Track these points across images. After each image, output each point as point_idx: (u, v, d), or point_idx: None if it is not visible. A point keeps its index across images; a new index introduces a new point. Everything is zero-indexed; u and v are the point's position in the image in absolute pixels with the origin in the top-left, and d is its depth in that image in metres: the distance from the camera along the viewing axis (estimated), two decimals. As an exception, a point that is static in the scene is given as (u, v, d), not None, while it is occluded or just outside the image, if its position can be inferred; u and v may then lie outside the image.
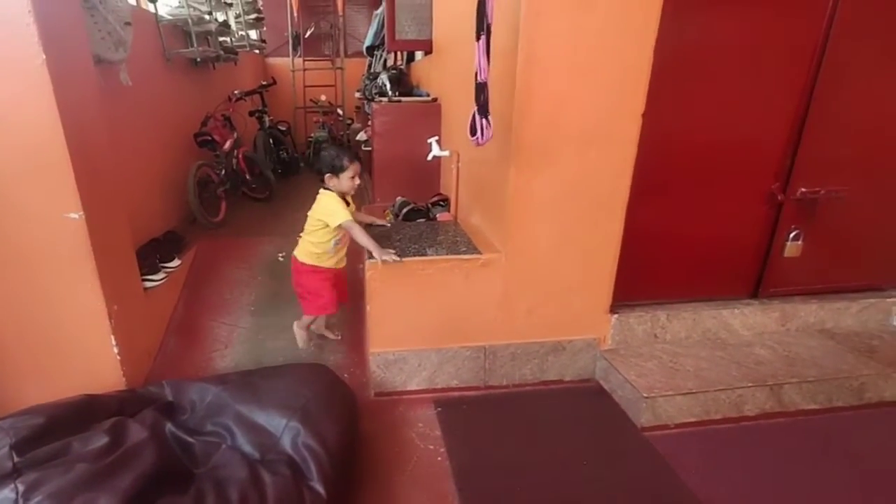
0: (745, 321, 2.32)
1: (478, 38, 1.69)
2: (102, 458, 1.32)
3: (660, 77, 1.86)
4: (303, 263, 2.20)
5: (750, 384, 2.01)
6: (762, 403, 2.04)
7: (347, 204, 2.13)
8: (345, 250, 2.26)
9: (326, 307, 2.24)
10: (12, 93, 1.56)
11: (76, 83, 1.76)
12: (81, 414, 1.51)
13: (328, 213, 2.08)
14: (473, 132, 1.82)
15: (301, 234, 2.22)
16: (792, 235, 2.24)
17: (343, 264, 2.29)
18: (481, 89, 1.74)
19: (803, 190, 2.18)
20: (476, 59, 1.71)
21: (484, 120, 1.77)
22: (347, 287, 2.38)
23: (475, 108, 1.78)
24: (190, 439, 1.55)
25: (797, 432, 1.99)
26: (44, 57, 1.54)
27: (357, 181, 2.11)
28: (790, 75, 2.04)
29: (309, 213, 2.17)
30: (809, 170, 2.16)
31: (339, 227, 2.06)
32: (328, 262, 2.20)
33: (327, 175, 2.08)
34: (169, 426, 1.57)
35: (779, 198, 2.18)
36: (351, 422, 1.78)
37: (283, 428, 1.57)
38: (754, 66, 2.00)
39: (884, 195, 2.30)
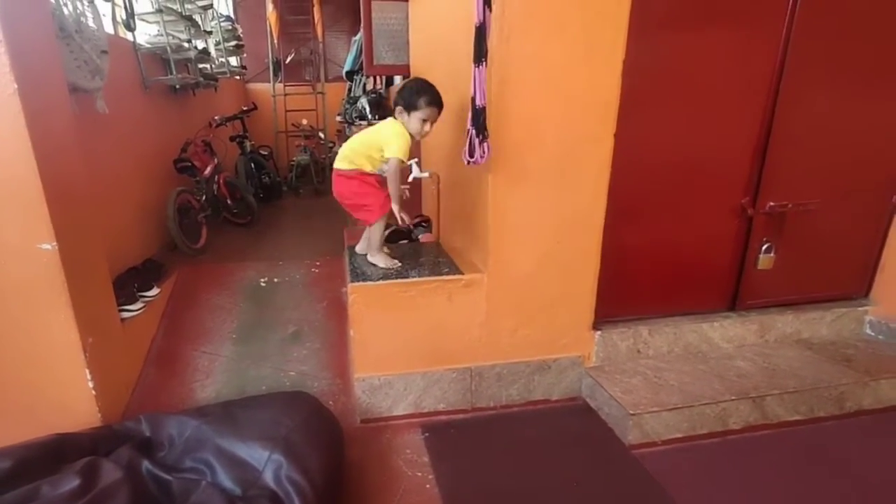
0: (725, 334, 2.36)
1: (477, 65, 1.69)
2: (73, 503, 1.25)
3: (630, 98, 1.93)
4: (347, 171, 2.01)
5: (733, 397, 2.03)
6: (746, 416, 2.06)
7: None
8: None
9: (385, 203, 2.01)
10: (-17, 123, 1.54)
11: (50, 112, 1.74)
12: (52, 455, 1.44)
13: (388, 139, 1.90)
14: (472, 153, 1.81)
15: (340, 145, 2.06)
16: (764, 248, 2.30)
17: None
18: (480, 113, 1.75)
19: (772, 204, 2.25)
20: (476, 85, 1.71)
21: (486, 143, 1.79)
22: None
23: (472, 130, 1.78)
24: (168, 477, 1.49)
25: (783, 444, 2.01)
26: (15, 86, 1.52)
27: (428, 128, 1.93)
28: (752, 95, 2.13)
29: (362, 132, 2.03)
30: (776, 184, 2.24)
31: (387, 161, 1.91)
32: (373, 166, 2.02)
33: (398, 108, 1.92)
34: (146, 464, 1.50)
35: (749, 212, 2.25)
36: (336, 451, 1.73)
37: (266, 461, 1.52)
38: (718, 88, 2.09)
39: (849, 207, 2.38)
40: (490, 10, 1.66)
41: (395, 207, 1.93)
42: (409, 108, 1.90)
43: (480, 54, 1.68)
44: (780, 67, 2.10)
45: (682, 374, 2.17)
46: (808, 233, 2.37)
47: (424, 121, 1.91)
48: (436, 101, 1.92)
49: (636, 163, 2.06)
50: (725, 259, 2.35)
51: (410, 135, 1.94)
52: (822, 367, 2.23)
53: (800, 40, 2.07)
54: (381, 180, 2.04)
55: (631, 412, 1.94)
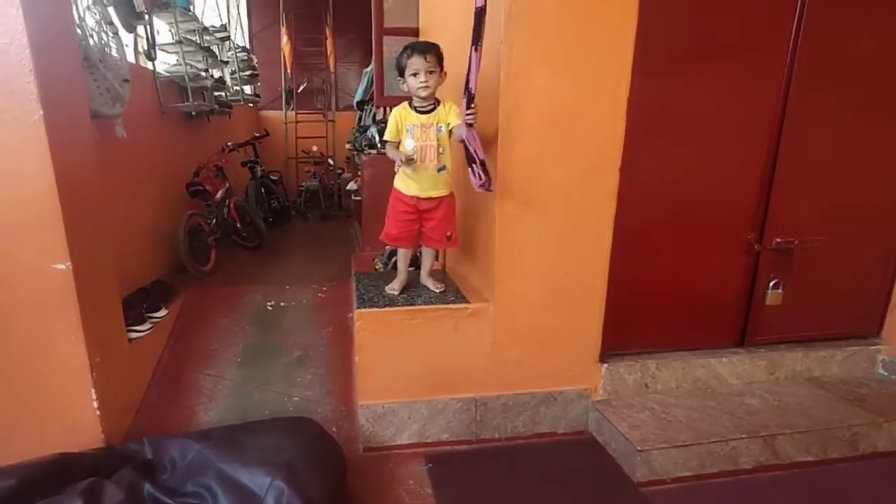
0: (734, 370, 2.33)
1: (475, 47, 1.68)
2: (74, 525, 1.24)
3: (635, 133, 1.97)
4: (394, 187, 2.02)
5: (743, 435, 1.99)
6: (757, 455, 2.01)
7: (430, 111, 1.89)
8: (436, 175, 1.93)
9: (388, 233, 2.04)
10: (8, 145, 1.59)
11: (72, 137, 1.80)
12: (55, 475, 1.43)
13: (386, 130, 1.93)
14: (481, 179, 1.84)
15: None
16: (772, 284, 2.30)
17: (435, 193, 1.97)
18: (472, 98, 1.75)
19: (778, 240, 2.25)
20: (471, 68, 1.71)
21: (481, 171, 1.81)
22: (444, 237, 2.05)
23: (464, 103, 1.78)
24: (169, 501, 1.47)
25: (795, 486, 1.95)
26: (41, 112, 1.58)
27: (422, 78, 1.82)
28: (755, 130, 2.16)
29: None
30: (782, 220, 2.24)
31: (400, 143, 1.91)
32: (404, 185, 1.98)
33: (400, 80, 1.89)
34: (147, 487, 1.49)
35: (756, 247, 2.25)
36: (338, 480, 1.71)
37: (268, 487, 1.50)
38: (722, 123, 2.13)
39: (859, 244, 2.38)
40: None
41: (398, 163, 1.89)
42: (400, 73, 1.88)
43: (479, 37, 1.68)
44: (783, 102, 2.13)
45: (691, 410, 2.13)
46: (817, 269, 2.36)
47: (415, 75, 1.84)
48: (417, 49, 1.84)
49: (642, 196, 2.09)
50: (733, 294, 2.34)
51: (417, 97, 1.89)
52: (835, 407, 2.19)
53: (802, 75, 2.11)
54: (408, 209, 2.01)
55: (639, 448, 1.90)
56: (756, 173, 2.20)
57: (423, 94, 1.87)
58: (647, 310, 2.27)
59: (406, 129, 1.93)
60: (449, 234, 2.06)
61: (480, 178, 1.84)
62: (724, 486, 1.94)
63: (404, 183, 1.99)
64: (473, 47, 1.70)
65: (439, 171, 1.94)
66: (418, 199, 1.98)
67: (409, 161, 1.86)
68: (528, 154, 1.92)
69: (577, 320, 2.13)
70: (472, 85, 1.74)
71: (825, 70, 2.14)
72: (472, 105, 1.76)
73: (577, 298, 2.10)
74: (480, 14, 1.68)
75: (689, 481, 1.94)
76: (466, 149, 1.83)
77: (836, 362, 2.43)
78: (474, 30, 1.69)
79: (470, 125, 1.78)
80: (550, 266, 2.04)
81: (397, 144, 1.97)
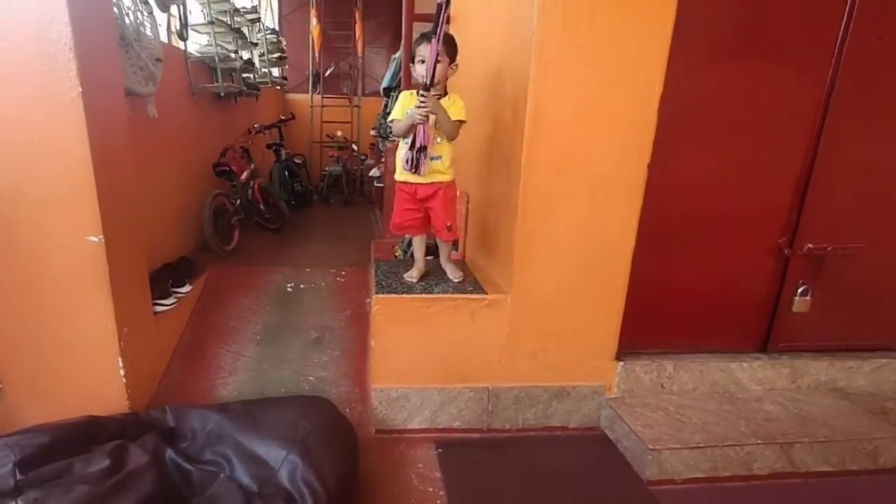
0: (754, 375, 2.29)
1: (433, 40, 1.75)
2: (103, 481, 1.32)
3: (665, 130, 1.92)
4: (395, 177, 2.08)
5: (759, 441, 1.96)
6: (772, 462, 1.98)
7: (440, 95, 1.92)
8: (429, 163, 1.95)
9: (394, 222, 2.11)
10: (48, 121, 1.65)
11: (107, 114, 1.85)
12: (84, 435, 1.52)
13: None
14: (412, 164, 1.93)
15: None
16: (800, 290, 2.23)
17: (428, 179, 1.99)
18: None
19: (810, 246, 2.18)
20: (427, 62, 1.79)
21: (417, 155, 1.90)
22: (444, 227, 2.06)
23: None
24: (189, 467, 1.54)
25: (810, 495, 1.92)
26: (80, 90, 1.63)
27: (429, 64, 1.81)
28: (794, 132, 2.09)
29: None
30: (816, 226, 2.17)
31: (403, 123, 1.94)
32: (404, 174, 2.01)
33: (412, 66, 1.96)
34: (169, 452, 1.56)
35: (786, 252, 2.19)
36: (351, 458, 1.75)
37: (282, 461, 1.55)
38: (758, 123, 2.06)
39: (894, 253, 2.29)
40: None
41: (406, 121, 1.92)
42: (413, 59, 1.94)
43: (436, 29, 1.75)
44: (825, 105, 2.06)
45: (707, 413, 2.11)
46: (849, 277, 2.28)
47: (421, 61, 1.87)
48: (427, 36, 1.86)
49: (670, 194, 2.05)
50: (758, 299, 2.28)
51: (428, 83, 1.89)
52: (858, 419, 2.13)
53: (849, 74, 2.02)
54: (408, 196, 2.06)
55: (651, 447, 1.89)
56: (791, 175, 2.13)
57: (428, 81, 1.86)
58: (667, 309, 2.23)
59: (407, 113, 1.94)
60: (449, 224, 2.07)
61: (410, 163, 1.91)
62: (737, 490, 1.92)
63: (400, 171, 2.03)
64: (434, 38, 1.75)
65: (432, 159, 1.96)
66: (415, 185, 2.02)
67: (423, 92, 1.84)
68: (554, 147, 1.90)
69: (595, 316, 2.11)
70: (426, 75, 1.81)
71: (874, 70, 2.05)
72: (425, 94, 1.82)
73: (596, 294, 2.08)
74: (440, 8, 1.72)
75: (700, 483, 1.93)
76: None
77: (862, 374, 2.36)
78: (434, 22, 1.74)
79: (421, 117, 1.83)
80: (571, 260, 2.03)
81: None
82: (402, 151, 1.99)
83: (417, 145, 1.90)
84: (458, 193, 2.20)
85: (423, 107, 1.83)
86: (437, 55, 1.81)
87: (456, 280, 2.15)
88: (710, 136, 2.05)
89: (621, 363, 2.18)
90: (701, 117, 2.02)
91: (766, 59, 2.00)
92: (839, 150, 2.10)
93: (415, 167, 1.94)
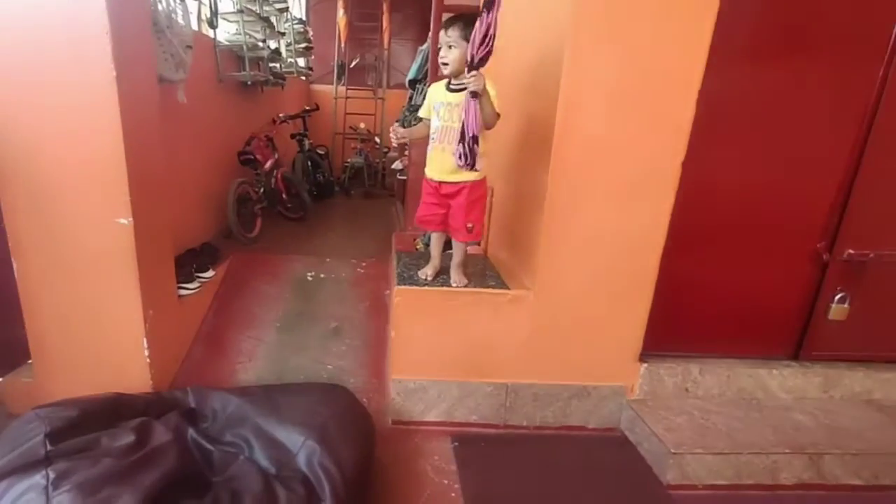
0: (784, 383, 2.21)
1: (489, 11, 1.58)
2: (128, 456, 1.35)
3: (702, 126, 1.86)
4: None
5: (787, 450, 1.89)
6: (800, 473, 1.91)
7: (461, 90, 1.76)
8: (452, 159, 1.80)
9: (417, 215, 2.03)
10: (83, 103, 1.68)
11: (140, 99, 1.87)
12: (111, 411, 1.56)
13: None
14: (464, 158, 1.75)
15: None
16: (838, 298, 2.14)
17: (451, 178, 1.88)
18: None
19: (851, 251, 2.09)
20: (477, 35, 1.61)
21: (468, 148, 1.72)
22: (464, 226, 1.94)
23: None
24: (210, 447, 1.57)
25: (838, 509, 1.86)
26: (115, 73, 1.65)
27: (442, 53, 1.76)
28: (839, 133, 2.00)
29: None
30: (858, 231, 2.08)
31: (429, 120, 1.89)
32: (427, 167, 1.95)
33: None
34: (191, 432, 1.59)
35: (824, 257, 2.10)
36: (368, 447, 1.75)
37: (301, 445, 1.55)
38: (802, 123, 1.98)
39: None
40: None
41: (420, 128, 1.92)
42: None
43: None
44: (875, 102, 1.96)
45: (733, 420, 2.05)
46: (891, 286, 2.18)
47: (442, 48, 1.80)
48: (444, 25, 1.79)
49: (704, 193, 1.98)
50: (792, 304, 2.20)
51: (449, 87, 1.84)
52: (893, 433, 2.04)
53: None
54: (431, 191, 1.97)
55: (673, 451, 1.85)
56: (835, 178, 2.04)
57: (445, 71, 1.80)
58: (695, 311, 2.17)
59: (433, 106, 1.88)
60: (470, 225, 1.93)
61: (463, 158, 1.73)
62: (760, 499, 1.87)
63: (427, 164, 1.95)
64: (486, 12, 1.59)
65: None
66: (438, 182, 1.92)
67: (401, 145, 1.78)
68: (585, 141, 1.85)
69: (620, 316, 2.06)
70: (474, 51, 1.64)
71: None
72: (472, 73, 1.66)
73: (622, 294, 2.03)
74: None
75: (722, 489, 1.88)
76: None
77: (900, 386, 2.27)
78: None
79: (474, 93, 1.66)
80: (597, 258, 1.98)
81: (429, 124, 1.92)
82: (433, 147, 1.87)
83: (469, 134, 1.70)
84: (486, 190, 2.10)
85: (477, 79, 1.65)
86: (454, 41, 1.72)
87: (455, 286, 2.03)
88: (749, 133, 1.98)
89: (645, 365, 2.13)
90: (741, 114, 1.95)
91: (811, 54, 1.91)
92: (888, 151, 2.00)
93: (471, 161, 1.74)
